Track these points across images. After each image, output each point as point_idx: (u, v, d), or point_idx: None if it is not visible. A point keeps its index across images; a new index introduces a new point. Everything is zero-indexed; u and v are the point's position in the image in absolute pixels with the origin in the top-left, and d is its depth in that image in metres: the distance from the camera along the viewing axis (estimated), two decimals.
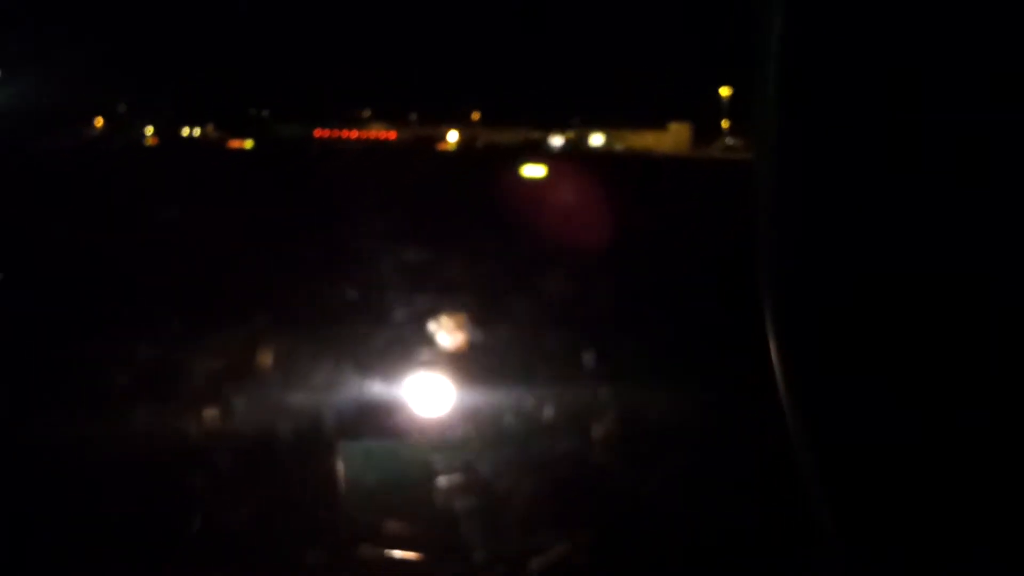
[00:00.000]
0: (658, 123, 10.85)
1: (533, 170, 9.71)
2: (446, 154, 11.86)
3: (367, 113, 10.82)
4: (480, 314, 3.81)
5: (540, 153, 11.97)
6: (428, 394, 3.40)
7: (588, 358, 3.63)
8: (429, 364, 3.58)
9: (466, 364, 3.61)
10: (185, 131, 9.92)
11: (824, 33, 0.59)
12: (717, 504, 3.04)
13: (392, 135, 11.29)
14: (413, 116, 11.01)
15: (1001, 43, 0.51)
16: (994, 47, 0.51)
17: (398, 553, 2.79)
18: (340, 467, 3.03)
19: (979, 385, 0.55)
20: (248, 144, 11.02)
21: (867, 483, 0.60)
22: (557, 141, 13.28)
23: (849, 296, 0.59)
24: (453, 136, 11.52)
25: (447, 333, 3.66)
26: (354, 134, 11.11)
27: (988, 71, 0.52)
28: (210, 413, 3.30)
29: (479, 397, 3.36)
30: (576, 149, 12.21)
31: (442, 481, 3.02)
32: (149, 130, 9.52)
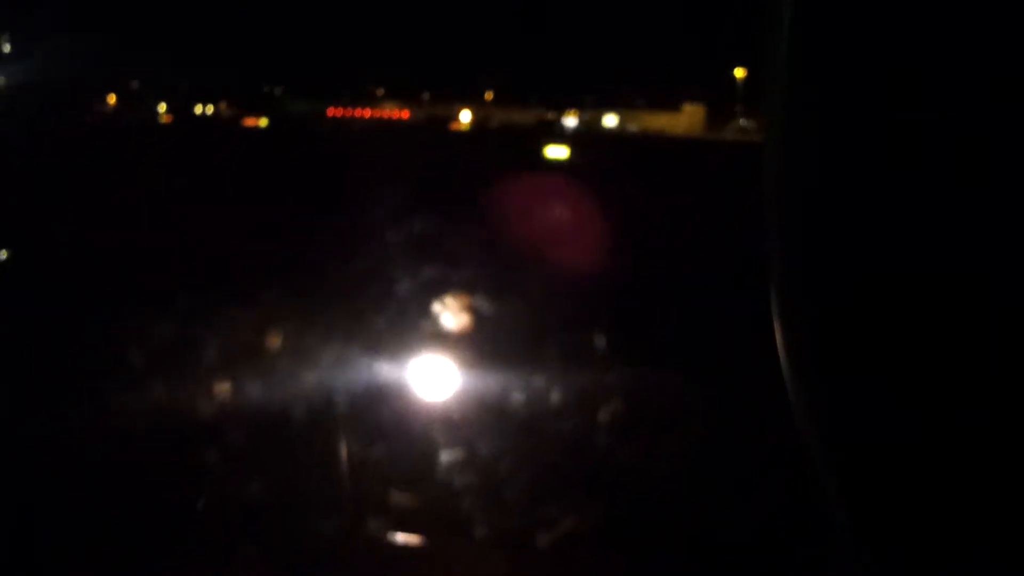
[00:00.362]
0: (672, 104, 10.84)
1: (556, 151, 9.74)
2: (460, 133, 11.88)
3: (380, 92, 10.84)
4: (488, 294, 3.81)
5: (554, 133, 11.97)
6: (433, 376, 3.40)
7: (600, 340, 3.62)
8: (434, 345, 3.58)
9: (471, 345, 3.61)
10: (198, 108, 9.95)
11: (828, 32, 0.59)
12: (722, 488, 3.05)
13: (405, 114, 11.31)
14: (426, 95, 11.02)
15: (1002, 43, 0.50)
16: (995, 47, 0.50)
17: (402, 536, 2.80)
18: (345, 443, 3.04)
19: (979, 385, 0.55)
20: (263, 122, 11.05)
21: (867, 482, 0.60)
22: (571, 122, 13.29)
23: (850, 295, 0.58)
24: (466, 116, 11.53)
25: (452, 314, 3.65)
26: (367, 112, 11.13)
27: (988, 71, 0.51)
28: (222, 390, 3.31)
29: (484, 379, 3.36)
30: (590, 129, 12.20)
31: (447, 456, 3.03)
32: (162, 107, 9.56)
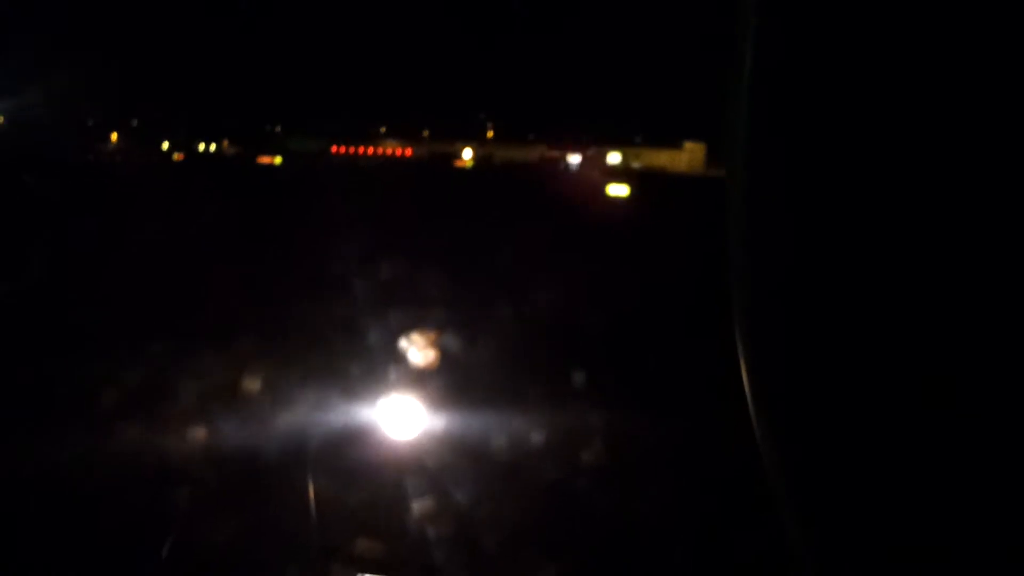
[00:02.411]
0: (673, 142, 10.86)
1: (617, 189, 9.77)
2: (465, 171, 11.92)
3: (382, 129, 10.89)
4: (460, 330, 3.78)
5: (562, 171, 12.01)
6: (401, 416, 3.36)
7: (579, 378, 3.59)
8: (402, 384, 3.54)
9: (439, 383, 3.57)
10: (200, 146, 9.99)
11: (807, 38, 0.60)
12: (707, 531, 3.00)
13: (408, 151, 11.36)
14: (425, 133, 11.06)
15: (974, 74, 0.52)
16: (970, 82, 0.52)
17: None
18: (312, 488, 3.00)
19: (978, 386, 0.55)
20: (278, 160, 11.13)
21: (866, 487, 0.60)
22: (575, 159, 13.32)
23: (850, 302, 0.59)
24: (468, 153, 11.57)
25: (418, 350, 3.61)
26: (370, 150, 11.19)
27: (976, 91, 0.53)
28: (189, 435, 3.29)
29: (452, 419, 3.32)
30: (593, 166, 12.22)
31: (416, 500, 2.98)
32: (164, 145, 9.60)
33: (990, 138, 0.57)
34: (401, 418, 3.32)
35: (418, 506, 2.97)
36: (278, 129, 10.34)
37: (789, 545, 0.73)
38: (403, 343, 3.73)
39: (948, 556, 0.61)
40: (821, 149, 0.63)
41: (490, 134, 10.92)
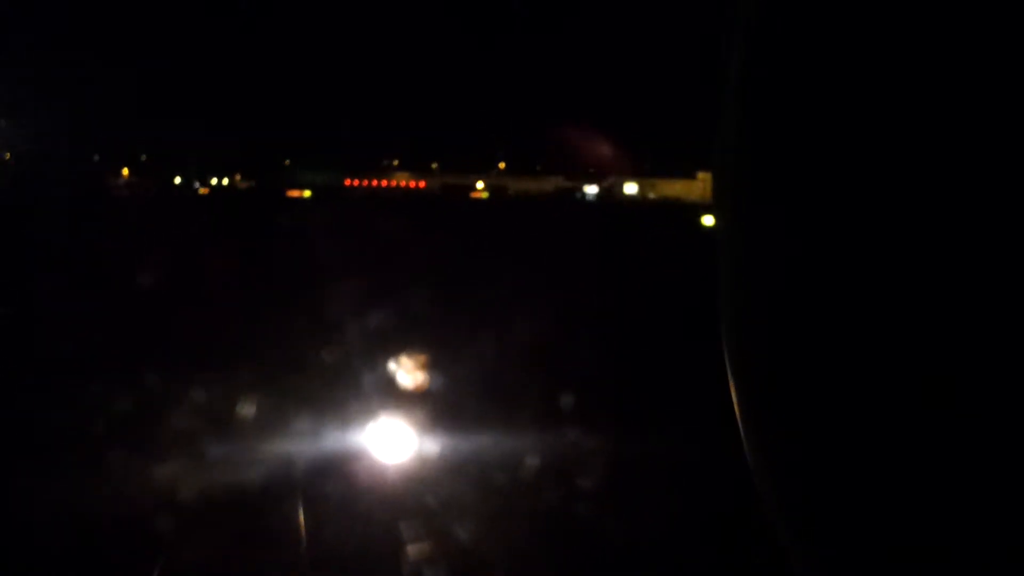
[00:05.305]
0: (687, 172, 10.85)
1: (710, 219, 9.76)
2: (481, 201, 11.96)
3: (395, 162, 10.94)
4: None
5: (578, 201, 12.00)
6: (391, 441, 3.30)
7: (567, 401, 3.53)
8: (391, 409, 3.49)
9: (428, 406, 3.51)
10: (213, 180, 10.05)
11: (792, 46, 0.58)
12: (705, 546, 2.93)
13: (422, 184, 11.41)
14: (434, 165, 11.10)
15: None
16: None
17: None
18: (302, 520, 2.95)
19: (976, 389, 0.52)
20: (307, 193, 11.26)
21: (864, 489, 0.57)
22: (591, 190, 13.31)
23: (843, 308, 0.56)
24: (481, 185, 11.60)
25: (407, 373, 3.57)
26: (383, 183, 11.25)
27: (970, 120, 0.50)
28: (182, 460, 3.25)
29: (440, 442, 3.26)
30: (610, 197, 12.22)
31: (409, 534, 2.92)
32: (176, 179, 9.65)
33: (987, 145, 0.53)
34: (394, 444, 3.28)
35: (408, 534, 2.91)
36: (287, 163, 10.42)
37: (788, 555, 0.69)
38: (392, 366, 3.70)
39: (948, 556, 0.57)
40: (811, 151, 0.59)
41: (502, 165, 10.95)
